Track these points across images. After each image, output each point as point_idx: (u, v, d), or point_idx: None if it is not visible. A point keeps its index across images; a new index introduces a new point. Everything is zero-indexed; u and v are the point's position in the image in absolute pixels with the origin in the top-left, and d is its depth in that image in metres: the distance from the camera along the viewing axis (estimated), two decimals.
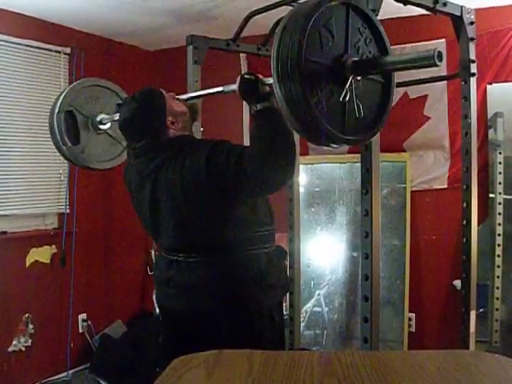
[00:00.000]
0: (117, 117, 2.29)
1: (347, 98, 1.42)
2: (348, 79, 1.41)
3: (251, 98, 1.67)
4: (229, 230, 1.76)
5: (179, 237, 1.82)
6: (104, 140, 2.51)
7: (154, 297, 3.89)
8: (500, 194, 3.07)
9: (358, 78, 1.45)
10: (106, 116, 2.46)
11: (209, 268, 1.77)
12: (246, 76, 1.67)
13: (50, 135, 2.43)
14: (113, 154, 2.54)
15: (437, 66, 1.29)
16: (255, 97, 1.65)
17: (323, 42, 1.40)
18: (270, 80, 1.54)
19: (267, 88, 1.64)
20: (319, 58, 1.38)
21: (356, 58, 1.44)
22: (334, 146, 1.50)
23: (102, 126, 2.46)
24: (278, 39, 1.37)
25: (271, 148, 1.57)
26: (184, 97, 2.00)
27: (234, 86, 1.71)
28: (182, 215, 1.78)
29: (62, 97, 2.39)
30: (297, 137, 3.05)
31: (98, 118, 2.44)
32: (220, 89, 1.84)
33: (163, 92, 1.89)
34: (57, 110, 2.35)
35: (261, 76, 1.65)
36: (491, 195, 3.11)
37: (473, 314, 2.16)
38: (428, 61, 1.31)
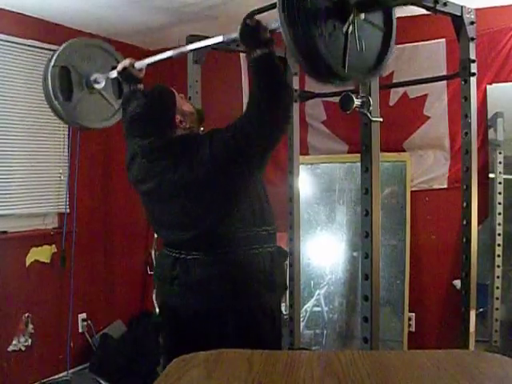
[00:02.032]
0: (112, 75, 2.30)
1: (349, 31, 1.45)
2: (351, 15, 1.45)
3: (251, 43, 1.67)
4: (233, 228, 1.77)
5: (185, 234, 1.83)
6: (97, 100, 2.49)
7: (154, 296, 3.90)
8: (500, 193, 3.07)
9: (362, 15, 1.48)
10: (101, 75, 2.44)
11: (214, 266, 1.78)
12: (248, 21, 1.68)
13: (45, 99, 2.41)
14: (105, 114, 2.53)
15: None
16: (255, 42, 1.65)
17: None
18: (273, 25, 1.55)
19: (268, 35, 1.65)
20: None
21: None
22: (335, 82, 1.53)
23: (96, 85, 2.45)
24: None
25: (268, 93, 1.61)
26: (168, 54, 2.03)
27: (235, 34, 1.71)
28: (188, 213, 1.79)
29: (58, 51, 2.38)
30: (297, 138, 3.07)
31: (93, 77, 2.43)
32: (220, 38, 1.83)
33: (174, 91, 1.90)
34: (52, 64, 2.34)
35: (263, 22, 1.67)
36: (491, 195, 3.11)
37: (473, 314, 2.16)
38: None
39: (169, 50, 2.11)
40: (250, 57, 1.68)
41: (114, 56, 2.55)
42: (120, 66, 2.13)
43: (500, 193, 3.07)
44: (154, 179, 1.82)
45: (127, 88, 2.13)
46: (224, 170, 1.71)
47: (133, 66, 2.11)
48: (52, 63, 2.35)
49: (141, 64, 2.12)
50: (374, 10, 1.54)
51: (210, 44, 1.92)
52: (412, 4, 1.86)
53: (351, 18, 1.45)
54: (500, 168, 3.07)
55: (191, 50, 2.23)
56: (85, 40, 2.54)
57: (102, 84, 2.46)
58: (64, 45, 2.42)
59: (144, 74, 2.15)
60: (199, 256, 1.80)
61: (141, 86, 2.13)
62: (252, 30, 1.65)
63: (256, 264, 1.79)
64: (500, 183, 3.07)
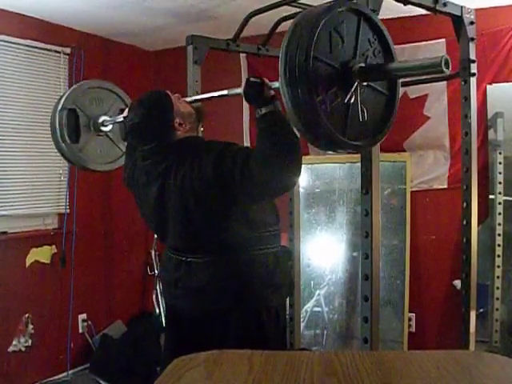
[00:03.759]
0: (119, 119, 2.30)
1: (351, 101, 1.42)
2: (354, 84, 1.42)
3: (256, 101, 1.67)
4: (237, 230, 1.77)
5: (187, 237, 1.83)
6: (103, 142, 2.52)
7: (153, 297, 3.90)
8: (500, 194, 3.07)
9: (364, 83, 1.46)
10: (108, 118, 2.46)
11: (217, 268, 1.78)
12: (252, 79, 1.67)
13: (50, 132, 2.44)
14: (111, 156, 2.56)
15: (443, 73, 1.29)
16: (260, 100, 1.65)
17: (332, 44, 1.41)
18: (276, 84, 1.55)
19: (272, 92, 1.65)
20: (327, 60, 1.40)
21: (363, 64, 1.45)
22: (336, 150, 1.51)
23: (103, 128, 2.48)
24: (289, 37, 1.38)
25: (276, 151, 1.57)
26: (188, 99, 2.00)
27: (239, 90, 1.71)
28: (190, 216, 1.79)
29: (66, 94, 2.42)
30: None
31: (100, 120, 2.46)
32: (224, 92, 1.84)
33: (169, 93, 1.89)
34: (60, 107, 2.37)
35: (266, 80, 1.66)
36: (491, 195, 3.11)
37: (473, 314, 2.16)
38: (435, 68, 1.31)
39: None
40: (255, 114, 1.68)
41: (122, 98, 2.57)
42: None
43: (500, 193, 3.07)
44: (155, 182, 1.82)
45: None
46: (225, 190, 1.70)
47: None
48: (60, 106, 2.37)
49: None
50: (377, 80, 1.51)
51: (214, 96, 1.92)
52: (412, 4, 1.87)
53: (354, 87, 1.42)
54: (500, 168, 3.07)
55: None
56: (90, 82, 2.56)
57: (110, 127, 2.48)
58: (71, 88, 2.47)
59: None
60: (202, 259, 1.80)
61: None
62: (256, 90, 1.65)
63: (260, 265, 1.79)
64: (500, 183, 3.07)
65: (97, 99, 2.49)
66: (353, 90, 1.42)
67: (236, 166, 1.63)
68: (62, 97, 2.42)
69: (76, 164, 2.51)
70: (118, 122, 2.40)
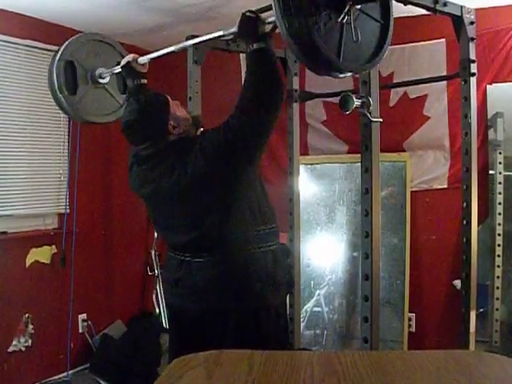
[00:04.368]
0: (116, 70, 2.31)
1: (345, 20, 1.45)
2: (346, 5, 1.46)
3: (249, 36, 1.68)
4: (236, 229, 1.77)
5: (187, 237, 1.84)
6: (101, 94, 2.52)
7: (153, 297, 3.90)
8: (500, 193, 3.07)
9: (357, 6, 1.48)
10: (106, 70, 2.46)
11: (217, 267, 1.78)
12: (247, 13, 1.69)
13: (48, 86, 2.43)
14: (109, 109, 2.55)
15: None
16: (253, 35, 1.67)
17: None
18: (270, 18, 1.56)
19: (266, 28, 1.67)
20: None
21: None
22: (332, 73, 1.54)
23: (100, 80, 2.48)
24: None
25: (262, 86, 1.65)
26: (170, 49, 2.05)
27: (234, 28, 1.73)
28: (187, 216, 1.80)
29: (64, 46, 2.40)
30: (297, 138, 3.07)
31: (98, 72, 2.46)
32: (220, 33, 1.85)
33: (168, 97, 1.90)
34: (58, 58, 2.37)
35: (261, 15, 1.68)
36: (491, 195, 3.11)
37: (473, 314, 2.16)
38: None
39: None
40: (247, 50, 1.70)
41: (119, 51, 2.56)
42: (123, 61, 2.15)
43: (500, 193, 3.07)
44: (151, 185, 1.83)
45: (131, 83, 2.14)
46: (218, 168, 1.72)
47: (136, 61, 2.12)
48: (57, 57, 2.37)
49: (144, 59, 2.14)
50: (369, 0, 1.54)
51: (210, 38, 1.94)
52: (412, 4, 1.86)
53: (347, 8, 1.45)
54: (500, 168, 3.07)
55: (193, 45, 2.25)
56: (90, 35, 2.55)
57: (107, 79, 2.48)
58: (70, 39, 2.45)
59: (147, 69, 2.17)
60: (202, 258, 1.81)
61: (144, 81, 2.15)
62: (250, 23, 1.67)
63: (258, 263, 1.80)
64: (500, 183, 3.07)
65: (94, 52, 2.48)
66: (346, 10, 1.45)
67: (220, 131, 1.71)
68: (59, 49, 2.41)
69: (74, 116, 2.50)
70: (115, 74, 2.42)
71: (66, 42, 2.42)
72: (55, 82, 2.37)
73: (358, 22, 1.51)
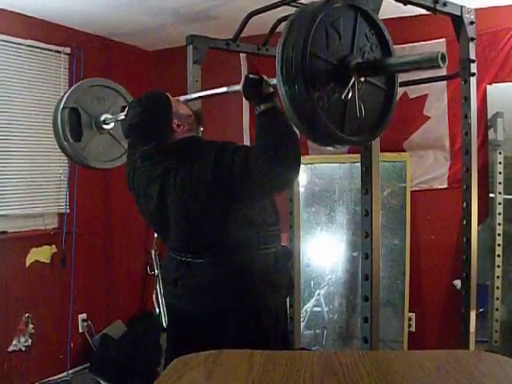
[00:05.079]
0: (121, 117, 2.30)
1: (349, 97, 1.42)
2: (351, 79, 1.42)
3: (255, 98, 1.67)
4: (237, 230, 1.77)
5: (188, 238, 1.83)
6: (106, 140, 2.53)
7: (153, 297, 3.90)
8: (500, 193, 3.07)
9: (362, 79, 1.45)
10: (110, 116, 2.48)
11: (217, 269, 1.78)
12: (251, 76, 1.67)
13: (51, 132, 2.45)
14: (113, 154, 2.56)
15: (440, 67, 1.29)
16: (259, 97, 1.65)
17: (329, 40, 1.41)
18: (274, 80, 1.54)
19: (271, 88, 1.65)
20: (324, 56, 1.39)
21: (360, 60, 1.45)
22: (334, 146, 1.51)
23: (105, 126, 2.49)
24: (285, 33, 1.37)
25: (275, 147, 1.57)
26: (188, 97, 2.01)
27: (238, 87, 1.71)
28: (189, 217, 1.79)
29: (68, 93, 2.42)
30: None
31: (102, 118, 2.47)
32: (224, 89, 1.85)
33: (169, 95, 1.90)
34: (62, 106, 2.38)
35: (265, 76, 1.66)
36: (491, 195, 3.11)
37: (473, 314, 2.16)
38: (431, 63, 1.30)
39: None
40: (254, 111, 1.68)
41: (123, 95, 2.57)
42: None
43: (500, 193, 3.07)
44: (155, 183, 1.82)
45: None
46: (224, 189, 1.70)
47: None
48: (62, 105, 2.38)
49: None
50: (375, 75, 1.50)
51: (213, 93, 1.93)
52: (412, 4, 1.86)
53: (351, 82, 1.41)
54: (500, 168, 3.07)
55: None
56: (92, 81, 2.56)
57: (112, 125, 2.49)
58: (73, 87, 2.48)
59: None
60: (202, 259, 1.80)
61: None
62: (255, 86, 1.64)
63: (260, 265, 1.79)
64: (500, 183, 3.07)
65: (98, 97, 2.50)
66: (350, 85, 1.41)
67: (235, 164, 1.64)
68: (63, 96, 2.43)
69: (79, 162, 2.52)
70: (119, 120, 2.41)
71: (71, 89, 2.45)
72: (60, 130, 2.39)
73: (362, 91, 1.46)
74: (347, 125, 1.45)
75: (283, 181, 1.66)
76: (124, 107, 2.22)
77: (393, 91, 1.58)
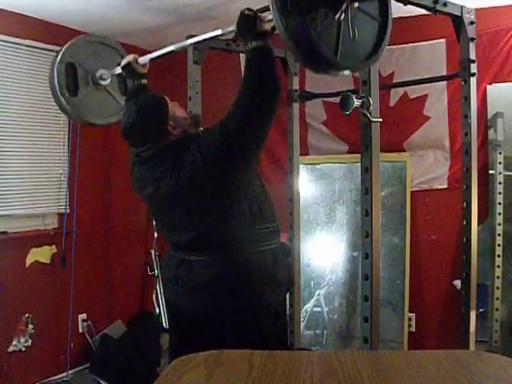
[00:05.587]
0: (117, 71, 2.33)
1: (342, 18, 1.43)
2: (343, 3, 1.45)
3: (248, 34, 1.68)
4: (235, 227, 1.78)
5: (187, 236, 1.84)
6: (102, 96, 2.52)
7: (153, 297, 3.90)
8: (500, 193, 3.07)
9: (355, 5, 1.48)
10: (106, 71, 2.47)
11: (217, 267, 1.79)
12: (246, 12, 1.68)
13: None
14: (110, 110, 2.55)
15: None
16: (252, 33, 1.66)
17: None
18: (270, 16, 1.56)
19: (266, 26, 1.66)
20: None
21: None
22: (328, 71, 1.53)
23: (101, 82, 2.48)
24: None
25: (260, 84, 1.63)
26: (170, 48, 2.05)
27: (233, 27, 1.73)
28: (188, 215, 1.81)
29: (64, 48, 2.41)
30: (297, 138, 3.07)
31: (98, 73, 2.47)
32: (219, 31, 1.85)
33: (166, 98, 1.91)
34: (58, 60, 2.37)
35: (260, 14, 1.68)
36: (491, 195, 3.11)
37: (473, 314, 2.16)
38: None
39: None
40: (245, 48, 1.70)
41: (120, 52, 2.57)
42: (124, 62, 2.15)
43: (500, 193, 3.07)
44: (151, 185, 1.84)
45: (131, 83, 2.15)
46: (215, 166, 1.73)
47: (136, 62, 2.13)
48: (58, 59, 2.38)
49: (144, 59, 2.14)
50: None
51: (209, 37, 1.94)
52: (412, 4, 1.86)
53: (344, 5, 1.44)
54: (500, 168, 3.07)
55: (192, 45, 2.24)
56: (91, 36, 2.56)
57: (108, 80, 2.49)
58: (70, 41, 2.45)
59: (147, 69, 2.17)
60: (203, 257, 1.81)
61: (145, 82, 2.16)
62: (249, 21, 1.66)
63: (258, 262, 1.80)
64: (500, 183, 3.07)
65: (95, 53, 2.49)
66: (343, 8, 1.44)
67: (215, 134, 1.71)
68: (59, 51, 2.42)
69: (75, 118, 2.51)
70: (115, 75, 2.43)
71: (67, 44, 2.43)
72: (56, 84, 2.38)
73: (356, 19, 1.50)
74: (341, 48, 1.47)
75: (267, 111, 1.69)
76: (119, 64, 2.24)
77: (386, 22, 1.61)
